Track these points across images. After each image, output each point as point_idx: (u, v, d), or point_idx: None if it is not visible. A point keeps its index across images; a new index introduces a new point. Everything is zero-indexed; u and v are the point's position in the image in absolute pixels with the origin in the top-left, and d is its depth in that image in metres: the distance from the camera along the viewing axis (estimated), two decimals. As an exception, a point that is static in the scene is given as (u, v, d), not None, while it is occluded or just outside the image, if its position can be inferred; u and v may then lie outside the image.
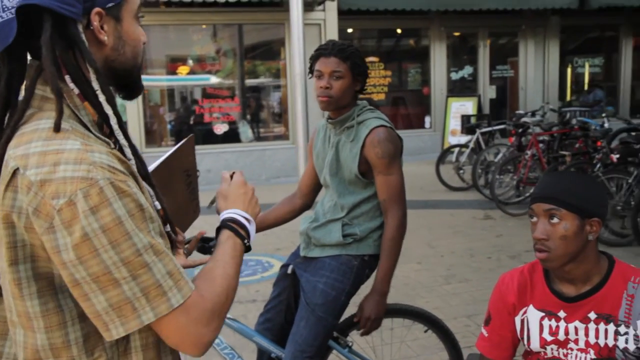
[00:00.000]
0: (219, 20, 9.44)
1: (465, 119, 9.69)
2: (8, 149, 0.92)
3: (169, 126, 9.74)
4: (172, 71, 9.54)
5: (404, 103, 11.47)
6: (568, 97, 12.15)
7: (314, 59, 2.13)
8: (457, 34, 11.46)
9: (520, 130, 7.10)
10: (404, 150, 2.18)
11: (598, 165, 5.47)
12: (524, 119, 7.22)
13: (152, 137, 9.48)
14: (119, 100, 1.06)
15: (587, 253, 1.52)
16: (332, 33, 9.44)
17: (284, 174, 9.26)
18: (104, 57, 1.00)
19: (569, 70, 12.16)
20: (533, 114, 7.78)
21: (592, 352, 1.54)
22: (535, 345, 1.62)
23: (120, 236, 0.87)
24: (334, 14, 9.51)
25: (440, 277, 4.50)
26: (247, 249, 1.13)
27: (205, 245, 1.89)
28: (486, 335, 1.72)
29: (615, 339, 1.50)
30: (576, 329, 1.55)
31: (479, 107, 10.51)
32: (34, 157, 0.89)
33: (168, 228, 1.07)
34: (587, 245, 1.51)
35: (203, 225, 2.48)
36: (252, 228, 1.16)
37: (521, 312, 1.65)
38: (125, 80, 1.06)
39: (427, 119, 11.25)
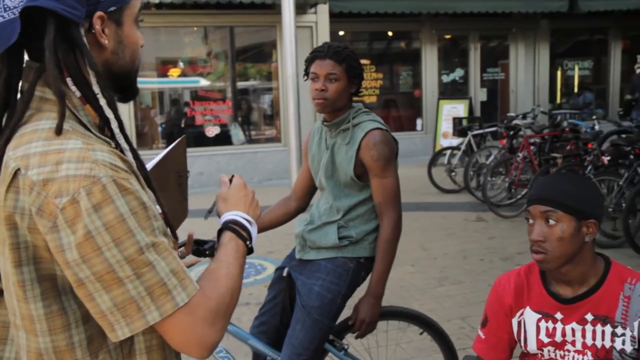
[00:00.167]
0: (210, 23, 9.42)
1: (456, 121, 9.72)
2: (7, 150, 0.92)
3: (159, 129, 9.69)
4: (163, 73, 9.50)
5: (395, 105, 11.49)
6: (558, 100, 12.23)
7: (309, 61, 2.13)
8: (448, 36, 11.52)
9: (511, 132, 7.14)
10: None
11: (589, 168, 5.50)
12: (515, 122, 7.25)
13: (143, 139, 9.43)
14: None
15: (583, 254, 1.52)
16: (323, 36, 9.45)
17: (276, 176, 9.24)
18: (103, 61, 1.00)
19: (559, 73, 12.25)
20: (524, 117, 7.82)
21: (589, 353, 1.54)
22: (532, 347, 1.63)
23: (123, 234, 0.86)
24: (326, 17, 9.52)
25: (434, 279, 4.51)
26: (250, 250, 1.12)
27: (200, 247, 1.87)
28: (483, 337, 1.72)
29: (612, 341, 1.51)
30: (573, 330, 1.55)
31: (470, 110, 10.55)
32: (35, 157, 0.88)
33: (169, 232, 1.06)
34: (584, 246, 1.52)
35: (191, 227, 2.46)
36: (253, 230, 1.16)
37: (518, 314, 1.65)
38: (123, 83, 1.06)
39: (419, 122, 11.28)
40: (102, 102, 0.97)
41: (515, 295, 1.65)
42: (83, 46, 0.94)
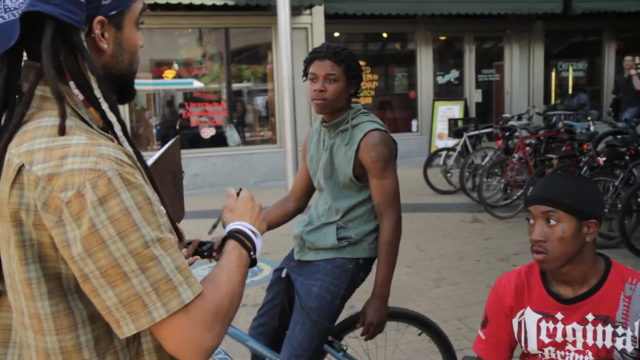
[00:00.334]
0: (206, 24, 9.40)
1: (452, 122, 9.74)
2: (9, 148, 0.91)
3: (154, 130, 9.67)
4: (158, 75, 9.48)
5: (390, 107, 11.51)
6: (553, 101, 12.28)
7: (308, 62, 2.12)
8: (443, 38, 11.54)
9: (507, 133, 7.15)
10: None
11: (584, 168, 5.52)
12: (511, 123, 7.27)
13: (138, 141, 9.39)
14: None
15: (584, 255, 1.52)
16: (319, 37, 9.45)
17: (271, 178, 9.23)
18: (102, 64, 1.00)
19: (553, 74, 12.30)
20: (519, 118, 7.84)
21: (590, 353, 1.54)
22: (532, 347, 1.62)
23: (128, 227, 0.86)
24: (321, 18, 9.52)
25: (430, 280, 4.51)
26: (253, 262, 1.12)
27: (199, 248, 1.87)
28: (483, 337, 1.72)
29: (613, 340, 1.51)
30: (574, 330, 1.55)
31: (466, 111, 10.58)
32: (39, 153, 0.88)
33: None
34: (585, 246, 1.52)
35: (187, 228, 2.45)
36: (258, 242, 1.15)
37: (518, 314, 1.65)
38: (121, 85, 1.06)
39: (414, 123, 11.30)
40: (104, 105, 0.97)
41: (516, 295, 1.65)
42: (83, 50, 0.94)
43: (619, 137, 5.58)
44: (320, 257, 2.16)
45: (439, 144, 10.12)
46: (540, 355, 1.63)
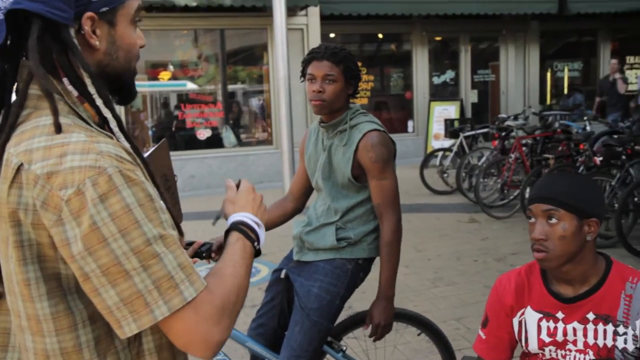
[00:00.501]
0: (201, 25, 9.38)
1: (448, 123, 9.75)
2: (7, 148, 0.90)
3: (150, 132, 9.64)
4: (154, 77, 9.45)
5: (386, 107, 11.51)
6: (548, 101, 12.31)
7: (306, 62, 2.12)
8: (438, 38, 11.55)
9: (503, 133, 7.16)
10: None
11: (581, 168, 5.53)
12: (507, 123, 7.28)
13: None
14: None
15: (585, 253, 1.52)
16: (314, 38, 9.45)
17: (267, 179, 9.22)
18: (96, 62, 0.99)
19: (548, 74, 12.33)
20: (516, 118, 7.86)
21: (591, 353, 1.54)
22: (533, 346, 1.62)
23: (129, 224, 0.84)
24: (317, 19, 9.52)
25: (428, 280, 4.51)
26: (257, 253, 1.10)
27: (198, 249, 1.87)
28: (483, 337, 1.71)
29: (614, 340, 1.50)
30: (575, 329, 1.55)
31: (462, 111, 10.59)
32: (38, 151, 0.87)
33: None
34: (585, 245, 1.51)
35: (185, 230, 2.44)
36: (261, 232, 1.14)
37: (519, 314, 1.65)
38: (118, 84, 1.05)
39: (410, 123, 11.30)
40: (99, 102, 0.96)
41: (516, 295, 1.64)
42: (74, 47, 0.93)
43: (615, 136, 5.59)
44: (319, 258, 2.15)
45: (435, 144, 10.13)
46: (540, 354, 1.63)
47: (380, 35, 11.25)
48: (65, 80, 0.94)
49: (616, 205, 4.91)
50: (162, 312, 0.86)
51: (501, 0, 10.32)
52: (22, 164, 0.87)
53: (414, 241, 5.58)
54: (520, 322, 1.64)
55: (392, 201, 2.09)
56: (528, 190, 5.79)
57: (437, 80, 11.48)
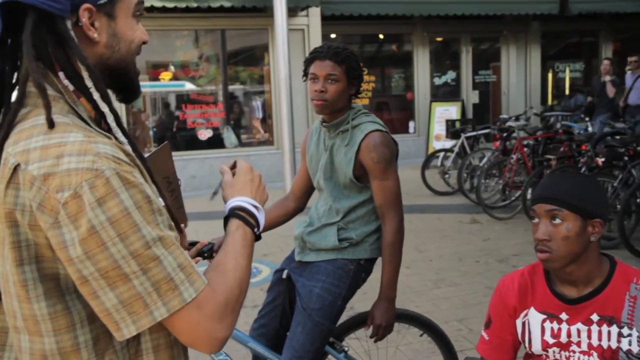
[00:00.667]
0: (202, 26, 9.38)
1: (449, 123, 9.73)
2: (6, 146, 0.89)
3: (151, 132, 9.64)
4: (155, 77, 9.45)
5: (387, 108, 11.50)
6: (550, 102, 12.29)
7: (308, 62, 2.11)
8: (439, 39, 11.54)
9: (504, 134, 7.15)
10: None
11: (583, 169, 5.52)
12: (508, 123, 7.27)
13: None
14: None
15: (588, 254, 1.51)
16: (315, 38, 9.45)
17: (268, 179, 9.20)
18: (97, 55, 0.97)
19: (550, 75, 12.32)
20: (517, 119, 7.84)
21: (595, 354, 1.53)
22: (537, 347, 1.61)
23: (128, 228, 0.84)
24: (317, 20, 9.51)
25: (430, 281, 4.50)
26: (257, 238, 1.09)
27: (201, 249, 1.86)
28: (487, 338, 1.70)
29: (619, 341, 1.49)
30: (579, 331, 1.54)
31: (463, 112, 10.58)
32: (35, 151, 0.86)
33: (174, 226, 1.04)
34: (589, 246, 1.50)
35: (188, 229, 2.43)
36: (261, 216, 1.12)
37: (522, 315, 1.64)
38: (122, 79, 1.03)
39: (411, 124, 11.30)
40: (96, 95, 0.94)
41: (519, 295, 1.64)
42: (70, 40, 0.92)
43: (617, 137, 5.58)
44: (321, 258, 2.14)
45: (436, 145, 10.12)
46: (544, 355, 1.62)
47: (381, 36, 11.24)
48: (61, 74, 0.93)
49: (618, 206, 4.90)
50: (161, 314, 0.86)
51: (502, 1, 10.30)
52: (19, 164, 0.86)
53: (415, 242, 5.56)
54: (523, 323, 1.64)
55: (394, 202, 2.08)
56: (530, 191, 5.78)
57: (438, 81, 11.47)
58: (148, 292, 0.85)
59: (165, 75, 9.49)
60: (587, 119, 8.51)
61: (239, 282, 0.97)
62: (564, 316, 1.56)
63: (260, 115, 10.09)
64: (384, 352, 3.02)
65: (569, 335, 1.55)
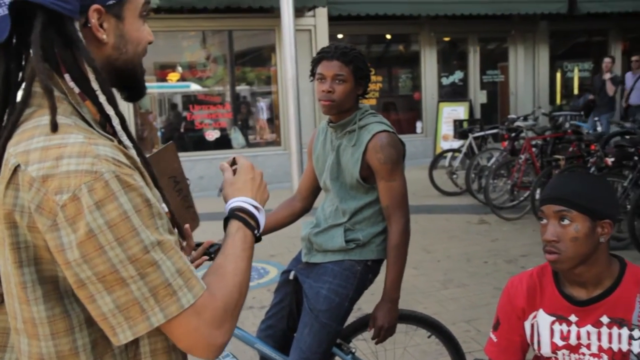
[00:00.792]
0: (209, 27, 9.40)
1: (457, 123, 9.70)
2: (8, 147, 0.88)
3: (159, 133, 9.68)
4: (162, 78, 9.49)
5: (395, 108, 11.48)
6: (558, 102, 12.22)
7: (315, 62, 2.10)
8: (447, 39, 11.51)
9: (513, 134, 7.11)
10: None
11: (592, 169, 5.48)
12: (516, 123, 7.23)
13: (143, 143, 9.40)
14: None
15: (598, 255, 1.49)
16: (322, 39, 9.44)
17: (276, 180, 9.20)
18: (105, 57, 0.97)
19: (558, 74, 12.25)
20: (525, 118, 7.80)
21: (605, 357, 1.51)
22: (546, 350, 1.60)
23: (127, 232, 0.82)
24: (324, 20, 9.51)
25: (437, 282, 4.48)
26: (257, 239, 1.08)
27: (207, 250, 1.85)
28: (495, 340, 1.69)
29: (629, 344, 1.48)
30: (588, 333, 1.52)
31: (471, 112, 10.54)
32: (35, 152, 0.85)
33: (175, 231, 1.03)
34: (598, 247, 1.49)
35: (198, 229, 2.43)
36: (261, 217, 1.10)
37: (531, 317, 1.62)
38: (129, 80, 1.03)
39: (419, 124, 11.27)
40: (102, 98, 0.93)
41: (528, 297, 1.62)
42: (78, 41, 0.91)
43: (627, 137, 5.53)
44: (328, 259, 2.14)
45: (444, 145, 10.08)
46: (553, 358, 1.60)
47: (388, 36, 11.22)
48: (67, 76, 0.92)
49: (629, 206, 4.85)
50: (158, 320, 0.85)
51: (510, 1, 10.26)
52: (19, 165, 0.85)
53: (423, 243, 5.55)
54: (532, 325, 1.62)
55: (401, 203, 2.07)
56: (538, 191, 5.75)
57: (445, 81, 11.44)
58: (145, 298, 0.84)
59: (173, 76, 9.52)
60: (583, 116, 8.41)
61: (239, 287, 0.95)
62: (573, 318, 1.54)
63: (267, 115, 10.11)
64: (392, 354, 3.01)
65: (578, 337, 1.53)
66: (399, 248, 2.06)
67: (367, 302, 3.53)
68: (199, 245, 1.84)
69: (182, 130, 9.60)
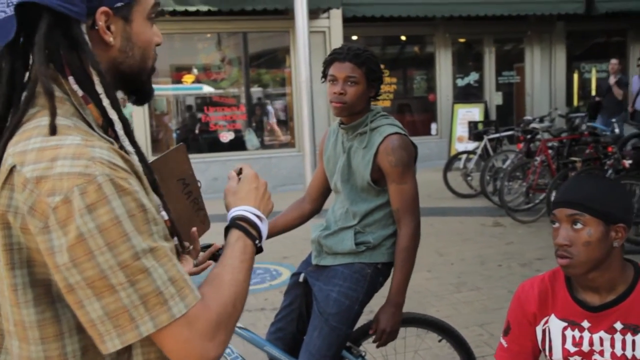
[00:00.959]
0: (224, 29, 9.45)
1: (472, 125, 9.63)
2: (8, 146, 0.88)
3: (174, 134, 9.74)
4: (178, 80, 9.55)
5: (409, 110, 11.44)
6: (575, 103, 12.09)
7: (327, 63, 2.09)
8: (462, 40, 11.44)
9: (528, 136, 7.04)
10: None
11: (609, 172, 5.41)
12: (532, 125, 7.15)
13: (158, 145, 9.47)
14: (129, 107, 1.01)
15: (611, 260, 1.46)
16: (336, 40, 9.43)
17: (290, 181, 9.22)
18: (111, 59, 0.96)
19: (575, 76, 12.10)
20: (541, 120, 7.72)
21: (618, 363, 1.48)
22: (557, 356, 1.57)
23: (117, 237, 0.81)
24: (339, 21, 9.50)
25: (451, 285, 4.44)
26: (259, 250, 1.05)
27: (216, 253, 1.85)
28: (505, 345, 1.67)
29: (643, 350, 1.45)
30: (601, 339, 1.49)
31: (486, 114, 10.46)
32: (32, 153, 0.84)
33: (176, 241, 1.00)
34: (612, 252, 1.46)
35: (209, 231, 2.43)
36: (264, 227, 1.07)
37: (542, 322, 1.60)
38: (134, 83, 1.02)
39: (434, 126, 11.21)
40: (106, 102, 0.92)
41: (539, 302, 1.59)
42: (84, 44, 0.90)
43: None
44: (338, 262, 2.12)
45: (459, 147, 10.02)
46: (565, 364, 1.57)
47: (403, 38, 11.18)
48: (70, 79, 0.91)
49: (646, 209, 4.78)
50: (147, 329, 0.82)
51: (526, 1, 10.16)
52: (15, 165, 0.84)
53: (436, 245, 5.51)
54: (543, 331, 1.59)
55: (411, 206, 2.05)
56: (554, 193, 5.68)
57: (460, 83, 11.36)
58: (135, 306, 0.81)
59: (188, 78, 9.58)
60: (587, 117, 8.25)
61: (234, 299, 0.92)
62: (585, 324, 1.51)
63: (281, 117, 10.13)
64: (402, 357, 2.99)
65: (591, 343, 1.51)
66: (407, 251, 2.04)
67: (379, 305, 3.51)
68: (208, 247, 1.84)
69: (196, 131, 9.65)
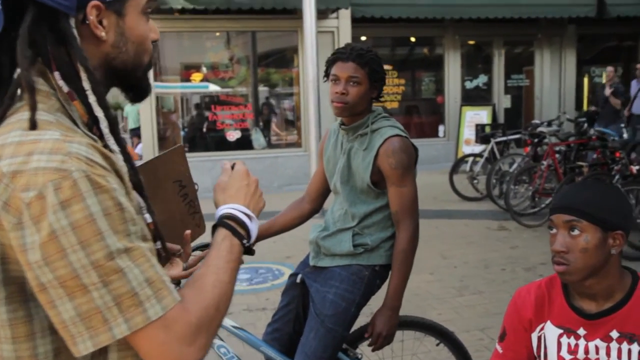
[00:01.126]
0: (233, 28, 9.46)
1: (479, 128, 9.59)
2: None
3: (182, 133, 9.76)
4: (186, 78, 9.57)
5: (417, 112, 11.40)
6: (585, 107, 11.99)
7: (330, 62, 2.07)
8: (471, 42, 11.39)
9: (536, 140, 7.00)
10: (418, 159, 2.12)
11: (617, 177, 5.36)
12: (540, 129, 7.11)
13: (165, 143, 9.49)
14: (135, 106, 0.99)
15: (609, 268, 1.45)
16: (345, 41, 9.41)
17: (296, 181, 9.21)
18: (103, 55, 0.93)
19: (585, 79, 12.01)
20: (549, 124, 7.67)
21: (614, 372, 1.46)
22: (553, 363, 1.55)
23: (91, 236, 0.78)
24: (348, 22, 9.49)
25: (453, 288, 4.42)
26: (249, 251, 1.01)
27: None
28: (500, 351, 1.65)
29: (639, 360, 1.42)
30: (597, 348, 1.47)
31: (494, 117, 10.41)
32: (10, 147, 0.82)
33: (159, 245, 0.98)
34: (610, 259, 1.44)
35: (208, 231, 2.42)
36: (253, 226, 1.02)
37: (538, 329, 1.58)
38: (129, 80, 0.99)
39: (441, 128, 11.17)
40: (92, 99, 0.90)
41: (536, 308, 1.58)
42: (71, 38, 0.88)
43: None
44: (335, 264, 2.11)
45: (465, 149, 9.98)
46: (561, 372, 1.55)
47: (412, 39, 11.15)
48: (56, 74, 0.89)
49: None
50: (121, 331, 0.80)
51: (537, 4, 10.09)
52: None
53: (440, 248, 5.48)
54: (539, 338, 1.58)
55: (410, 209, 2.03)
56: (560, 198, 5.63)
57: (469, 85, 11.31)
58: (108, 307, 0.79)
59: (197, 77, 9.60)
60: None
61: (217, 301, 0.89)
62: (581, 332, 1.50)
63: (289, 117, 10.12)
64: (401, 360, 2.97)
65: (586, 351, 1.49)
66: (405, 253, 2.02)
67: (377, 307, 3.50)
68: (205, 246, 1.83)
69: (204, 130, 9.67)
